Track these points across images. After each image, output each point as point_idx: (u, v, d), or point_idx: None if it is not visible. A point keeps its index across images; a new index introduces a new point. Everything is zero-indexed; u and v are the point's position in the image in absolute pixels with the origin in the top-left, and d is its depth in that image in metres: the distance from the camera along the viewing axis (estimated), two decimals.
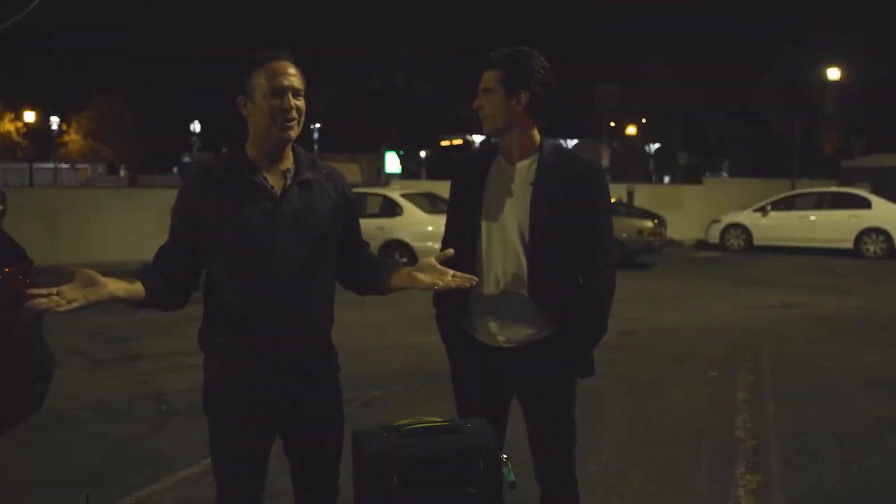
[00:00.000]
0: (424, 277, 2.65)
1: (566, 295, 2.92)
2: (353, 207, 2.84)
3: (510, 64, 2.86)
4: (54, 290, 2.26)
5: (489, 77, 2.88)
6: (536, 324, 2.91)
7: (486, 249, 2.91)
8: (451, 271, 2.64)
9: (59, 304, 2.25)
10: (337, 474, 2.77)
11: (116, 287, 2.41)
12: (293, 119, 2.59)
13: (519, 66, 2.87)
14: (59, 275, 2.35)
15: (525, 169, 2.93)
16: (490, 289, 2.91)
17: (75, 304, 2.28)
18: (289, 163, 2.66)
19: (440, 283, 2.62)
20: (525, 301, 2.90)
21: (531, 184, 2.90)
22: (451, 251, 2.70)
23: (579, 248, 2.92)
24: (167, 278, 2.60)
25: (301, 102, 2.61)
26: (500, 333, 2.93)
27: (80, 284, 2.33)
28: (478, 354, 2.97)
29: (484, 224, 2.92)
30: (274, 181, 2.62)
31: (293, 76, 2.61)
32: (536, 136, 2.96)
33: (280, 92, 2.57)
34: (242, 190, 2.58)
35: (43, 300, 2.23)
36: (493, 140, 3.09)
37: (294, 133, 2.61)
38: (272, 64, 2.59)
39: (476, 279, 2.67)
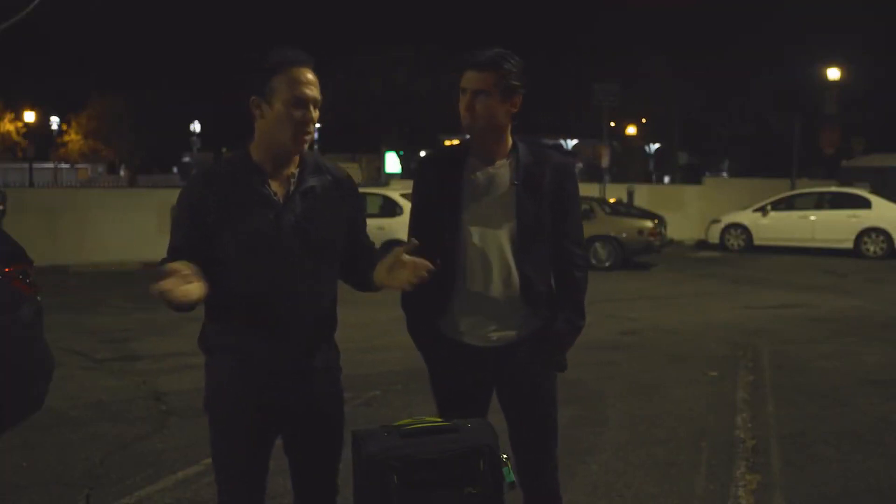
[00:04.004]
0: (396, 282, 2.54)
1: (548, 291, 3.00)
2: (359, 211, 2.78)
3: (506, 68, 2.85)
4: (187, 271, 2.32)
5: (481, 79, 2.84)
6: (523, 322, 2.95)
7: (469, 249, 2.90)
8: (418, 261, 2.51)
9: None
10: (336, 474, 2.76)
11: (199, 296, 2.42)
12: (310, 133, 2.54)
13: (514, 70, 2.87)
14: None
15: (504, 168, 2.94)
16: (477, 288, 2.91)
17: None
18: (294, 167, 2.60)
19: (414, 280, 2.52)
20: (514, 300, 2.93)
21: (514, 183, 2.91)
22: (416, 241, 2.58)
23: (555, 244, 2.98)
24: None
25: (317, 114, 2.53)
26: (491, 333, 2.94)
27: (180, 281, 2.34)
28: (460, 355, 2.96)
29: (466, 224, 2.90)
30: (277, 187, 2.57)
31: (314, 86, 2.53)
32: (510, 135, 2.98)
33: (302, 103, 2.50)
34: (246, 197, 2.53)
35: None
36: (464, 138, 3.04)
37: (307, 146, 2.56)
38: (295, 70, 2.51)
39: (431, 266, 2.54)
